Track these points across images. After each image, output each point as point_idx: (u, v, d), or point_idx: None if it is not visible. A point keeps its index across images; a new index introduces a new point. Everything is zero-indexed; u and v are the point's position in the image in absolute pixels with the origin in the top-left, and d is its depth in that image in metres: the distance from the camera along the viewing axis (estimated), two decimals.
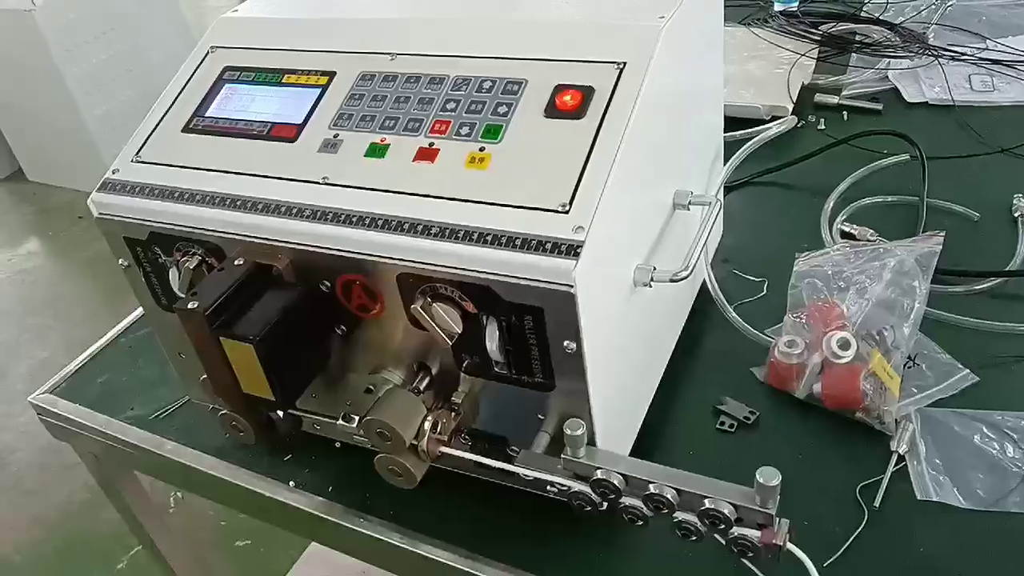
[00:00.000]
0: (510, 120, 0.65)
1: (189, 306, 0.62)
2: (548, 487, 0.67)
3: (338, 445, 0.81)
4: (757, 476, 0.54)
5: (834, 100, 1.20)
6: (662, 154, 0.71)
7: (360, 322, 0.67)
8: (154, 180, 0.72)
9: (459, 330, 0.61)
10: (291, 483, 0.80)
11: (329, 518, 0.76)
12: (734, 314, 0.85)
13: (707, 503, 0.56)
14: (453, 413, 0.66)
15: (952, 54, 1.25)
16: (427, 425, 0.64)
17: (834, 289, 0.84)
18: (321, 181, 0.66)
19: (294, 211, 0.66)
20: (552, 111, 0.64)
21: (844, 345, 0.77)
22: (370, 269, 0.63)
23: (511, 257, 0.58)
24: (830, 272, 0.85)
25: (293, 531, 0.84)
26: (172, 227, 0.70)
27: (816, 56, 1.29)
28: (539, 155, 0.62)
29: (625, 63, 0.64)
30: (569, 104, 0.63)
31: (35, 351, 2.44)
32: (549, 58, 0.67)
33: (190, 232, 0.69)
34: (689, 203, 0.73)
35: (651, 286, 0.66)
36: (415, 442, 0.64)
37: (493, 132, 0.64)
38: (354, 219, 0.63)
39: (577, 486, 0.60)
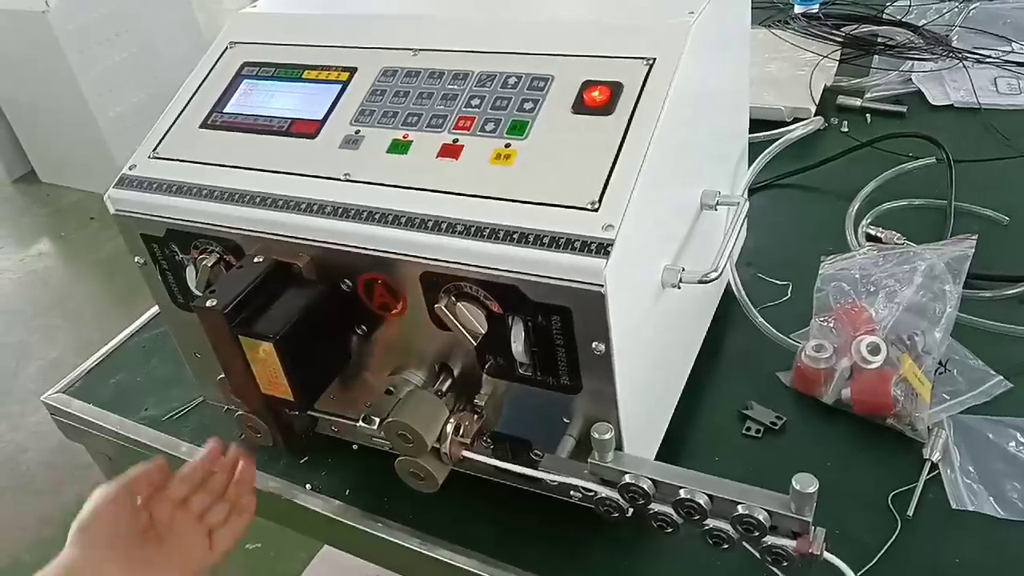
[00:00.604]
0: (536, 116, 0.63)
1: (208, 304, 0.61)
2: (573, 492, 0.65)
3: (355, 447, 0.79)
4: (793, 482, 0.52)
5: (857, 103, 1.19)
6: (690, 153, 0.69)
7: (381, 321, 0.66)
8: (172, 176, 0.71)
9: (483, 330, 0.60)
10: (307, 486, 0.78)
11: (346, 521, 0.75)
12: (760, 318, 0.83)
13: (740, 509, 0.54)
14: (476, 416, 0.65)
15: (977, 56, 1.23)
16: (449, 428, 0.63)
17: (862, 293, 0.82)
18: (342, 178, 0.65)
19: (315, 208, 0.64)
20: (580, 107, 0.62)
21: (874, 350, 0.75)
22: (392, 267, 0.62)
23: (538, 256, 0.56)
24: (858, 275, 0.83)
25: (309, 534, 0.83)
26: (190, 224, 0.69)
27: (838, 58, 1.27)
28: (567, 151, 0.60)
29: (654, 59, 0.63)
30: (597, 100, 0.62)
31: (45, 351, 2.43)
32: (576, 54, 0.66)
33: (208, 229, 0.68)
34: (717, 203, 0.72)
35: (679, 287, 0.65)
36: (437, 445, 0.63)
37: (519, 128, 0.63)
38: (376, 216, 0.62)
39: (604, 491, 0.59)
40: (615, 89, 0.62)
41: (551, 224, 0.57)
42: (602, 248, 0.55)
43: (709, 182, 0.74)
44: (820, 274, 0.85)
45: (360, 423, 0.65)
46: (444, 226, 0.60)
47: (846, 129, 1.15)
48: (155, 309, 1.03)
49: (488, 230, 0.58)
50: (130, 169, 0.73)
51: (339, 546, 0.81)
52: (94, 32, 2.98)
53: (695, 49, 0.64)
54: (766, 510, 0.53)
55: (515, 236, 0.57)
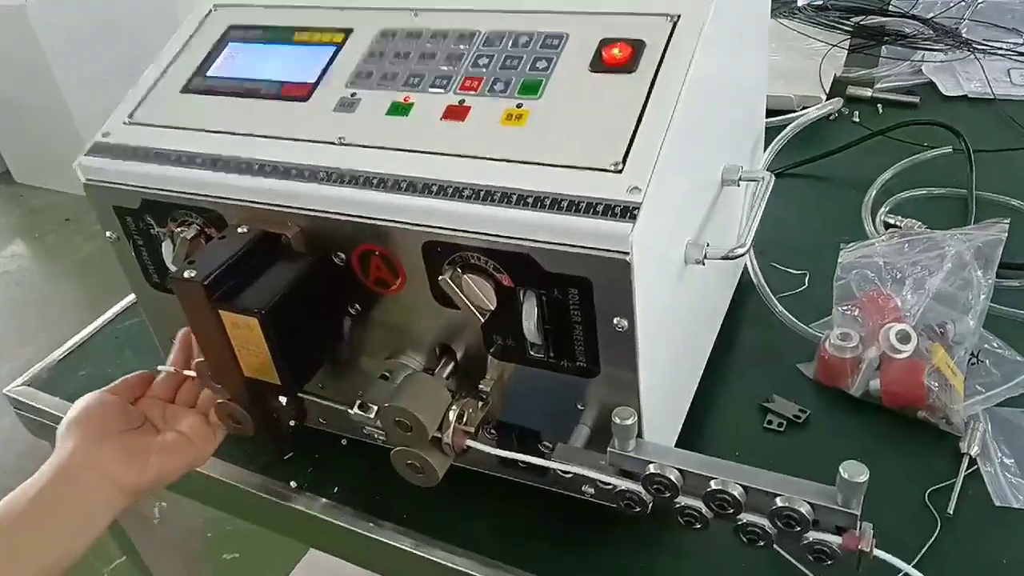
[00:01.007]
0: (551, 75, 0.58)
1: (185, 275, 0.55)
2: (586, 487, 0.60)
3: (344, 442, 0.73)
4: (841, 471, 0.47)
5: (867, 93, 1.15)
6: (713, 123, 0.64)
7: (377, 299, 0.60)
8: (149, 143, 0.65)
9: (492, 306, 0.54)
10: (292, 483, 0.72)
11: (335, 522, 0.69)
12: (780, 307, 0.78)
13: (779, 502, 0.48)
14: (480, 403, 0.59)
15: (988, 48, 1.20)
16: (452, 415, 0.57)
17: (887, 280, 0.77)
18: (337, 142, 0.60)
19: (305, 173, 0.59)
20: (598, 65, 0.57)
21: (904, 338, 0.70)
22: (391, 237, 0.56)
23: (556, 221, 0.51)
24: (882, 263, 0.79)
25: (293, 537, 0.76)
26: (167, 193, 0.63)
27: (847, 47, 1.23)
28: (586, 111, 0.55)
29: (679, 16, 0.58)
30: (618, 58, 0.57)
31: (19, 353, 2.35)
32: (591, 11, 0.60)
33: (187, 198, 0.62)
34: (740, 178, 0.67)
35: (704, 264, 0.60)
36: (438, 434, 0.57)
37: (532, 88, 0.58)
38: (374, 181, 0.56)
39: (624, 484, 0.53)
40: (637, 47, 0.57)
41: (569, 187, 0.51)
42: (627, 212, 0.49)
43: (729, 159, 0.69)
44: (840, 262, 0.81)
45: (354, 410, 0.59)
46: (449, 190, 0.54)
47: (857, 119, 1.11)
48: (130, 298, 0.96)
49: (499, 194, 0.53)
50: (103, 136, 0.67)
51: (326, 549, 0.75)
52: (74, 30, 2.90)
53: (722, 8, 0.59)
54: (809, 502, 0.48)
55: (529, 200, 0.52)
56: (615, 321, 0.52)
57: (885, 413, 0.70)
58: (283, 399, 0.65)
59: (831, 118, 1.11)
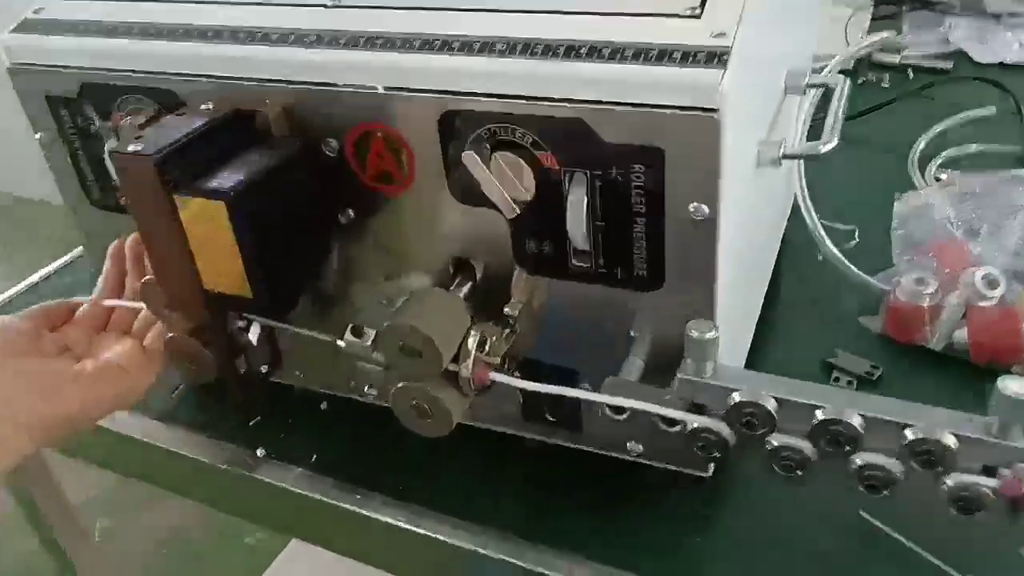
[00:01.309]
0: None
1: (131, 149, 0.42)
2: (632, 443, 0.48)
3: (325, 406, 0.61)
4: (999, 386, 0.35)
5: (895, 59, 1.06)
6: (785, 13, 0.54)
7: (377, 201, 0.48)
8: (92, 15, 0.53)
9: (528, 196, 0.43)
10: (259, 451, 0.59)
11: (311, 495, 0.55)
12: (835, 250, 0.67)
13: (910, 435, 0.37)
14: (507, 330, 0.46)
15: (1016, 19, 1.13)
16: (472, 343, 0.44)
17: (958, 227, 0.67)
18: (329, 4, 0.48)
19: (289, 38, 0.47)
20: None
21: (992, 283, 0.60)
22: (399, 111, 0.44)
23: (619, 72, 0.39)
24: (949, 208, 0.69)
25: (261, 521, 0.63)
26: (113, 72, 0.51)
27: (871, 14, 1.15)
28: None
29: None
30: None
31: None
32: None
33: (139, 77, 0.50)
34: (807, 84, 0.56)
35: (780, 164, 0.49)
36: (453, 367, 0.44)
37: None
38: (377, 41, 0.45)
39: (701, 421, 0.41)
40: None
41: (634, 34, 0.40)
42: (715, 57, 0.38)
43: (792, 64, 0.59)
44: (895, 212, 0.71)
45: (346, 335, 0.47)
46: (476, 46, 0.42)
47: (887, 85, 1.02)
48: (77, 251, 0.83)
49: (541, 46, 0.41)
50: (35, 12, 0.55)
51: (301, 533, 0.61)
52: None
53: None
54: (954, 434, 0.36)
55: (582, 50, 0.40)
56: (691, 208, 0.40)
57: (970, 368, 0.60)
58: (253, 335, 0.52)
59: (860, 82, 1.02)
